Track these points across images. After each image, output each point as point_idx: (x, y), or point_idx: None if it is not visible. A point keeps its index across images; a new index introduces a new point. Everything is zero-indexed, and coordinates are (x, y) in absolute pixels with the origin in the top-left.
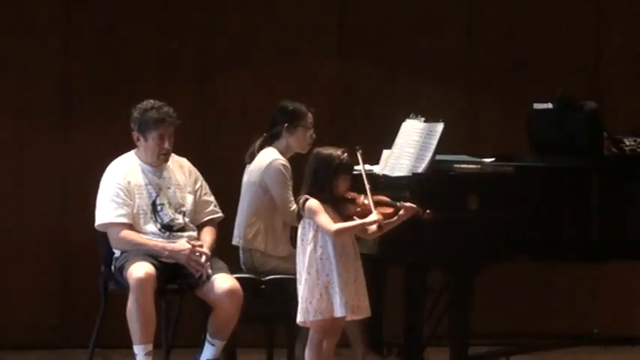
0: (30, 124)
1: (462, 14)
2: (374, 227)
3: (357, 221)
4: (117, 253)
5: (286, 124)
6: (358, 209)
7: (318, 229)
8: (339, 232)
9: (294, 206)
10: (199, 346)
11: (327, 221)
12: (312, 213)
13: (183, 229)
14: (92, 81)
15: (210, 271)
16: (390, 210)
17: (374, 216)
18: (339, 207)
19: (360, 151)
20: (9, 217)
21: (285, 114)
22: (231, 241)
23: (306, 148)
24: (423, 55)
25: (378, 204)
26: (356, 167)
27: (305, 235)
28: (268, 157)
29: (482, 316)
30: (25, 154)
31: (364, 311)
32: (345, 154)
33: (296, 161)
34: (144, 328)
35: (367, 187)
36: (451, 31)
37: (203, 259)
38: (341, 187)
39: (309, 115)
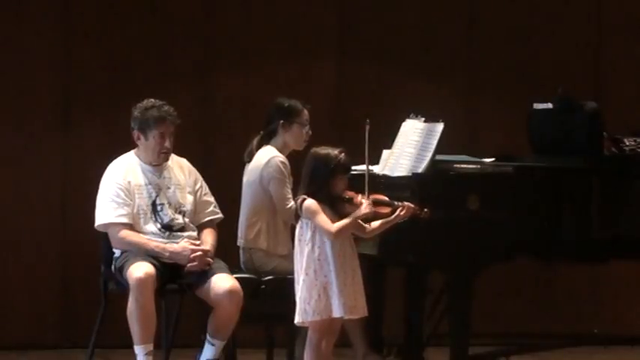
0: (30, 124)
1: (462, 14)
2: (375, 225)
3: (350, 217)
4: (117, 253)
5: (282, 121)
6: (356, 209)
7: (316, 229)
8: (338, 233)
9: (290, 203)
10: (199, 346)
11: (326, 222)
12: (311, 213)
13: (183, 229)
14: (92, 81)
15: (211, 260)
16: (387, 209)
17: (365, 208)
18: (337, 207)
19: (369, 126)
20: (9, 216)
21: (280, 111)
22: (230, 241)
23: (302, 145)
24: (423, 55)
25: (376, 203)
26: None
27: (303, 235)
28: (267, 154)
29: (483, 316)
30: (25, 153)
31: (361, 311)
32: (343, 154)
33: (294, 161)
34: (144, 328)
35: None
36: (451, 31)
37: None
38: (338, 187)
39: (305, 112)
